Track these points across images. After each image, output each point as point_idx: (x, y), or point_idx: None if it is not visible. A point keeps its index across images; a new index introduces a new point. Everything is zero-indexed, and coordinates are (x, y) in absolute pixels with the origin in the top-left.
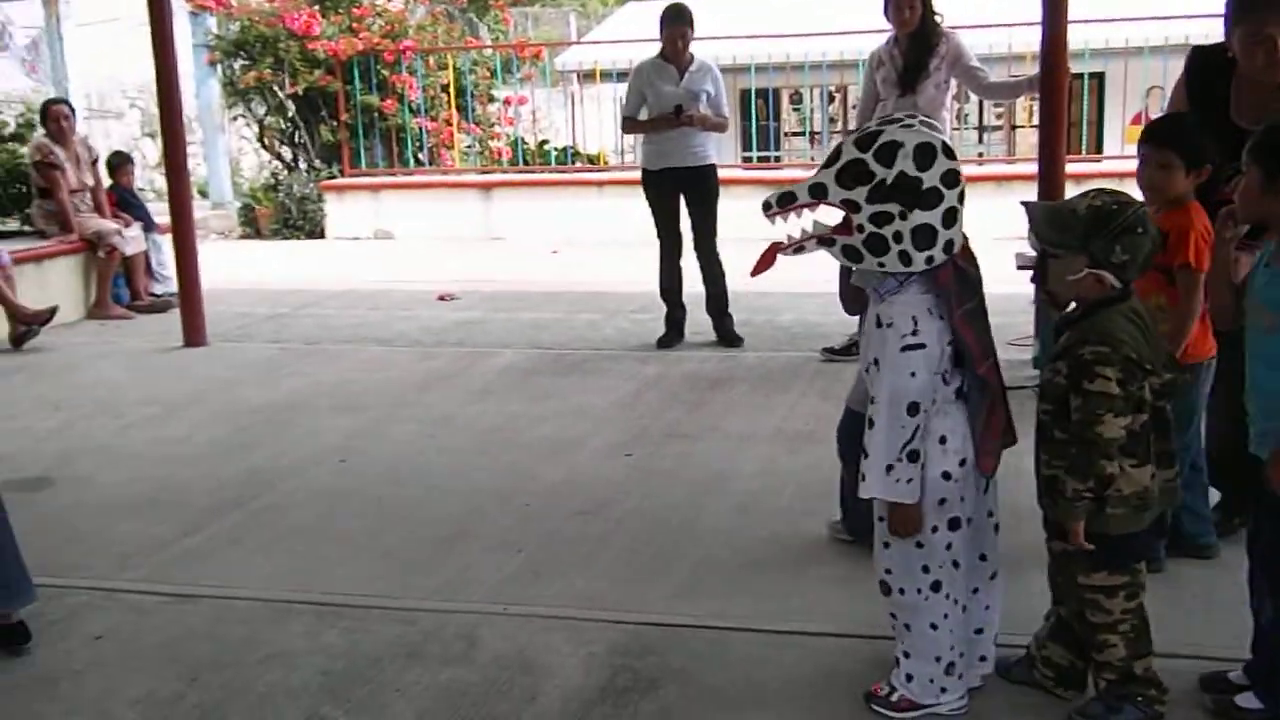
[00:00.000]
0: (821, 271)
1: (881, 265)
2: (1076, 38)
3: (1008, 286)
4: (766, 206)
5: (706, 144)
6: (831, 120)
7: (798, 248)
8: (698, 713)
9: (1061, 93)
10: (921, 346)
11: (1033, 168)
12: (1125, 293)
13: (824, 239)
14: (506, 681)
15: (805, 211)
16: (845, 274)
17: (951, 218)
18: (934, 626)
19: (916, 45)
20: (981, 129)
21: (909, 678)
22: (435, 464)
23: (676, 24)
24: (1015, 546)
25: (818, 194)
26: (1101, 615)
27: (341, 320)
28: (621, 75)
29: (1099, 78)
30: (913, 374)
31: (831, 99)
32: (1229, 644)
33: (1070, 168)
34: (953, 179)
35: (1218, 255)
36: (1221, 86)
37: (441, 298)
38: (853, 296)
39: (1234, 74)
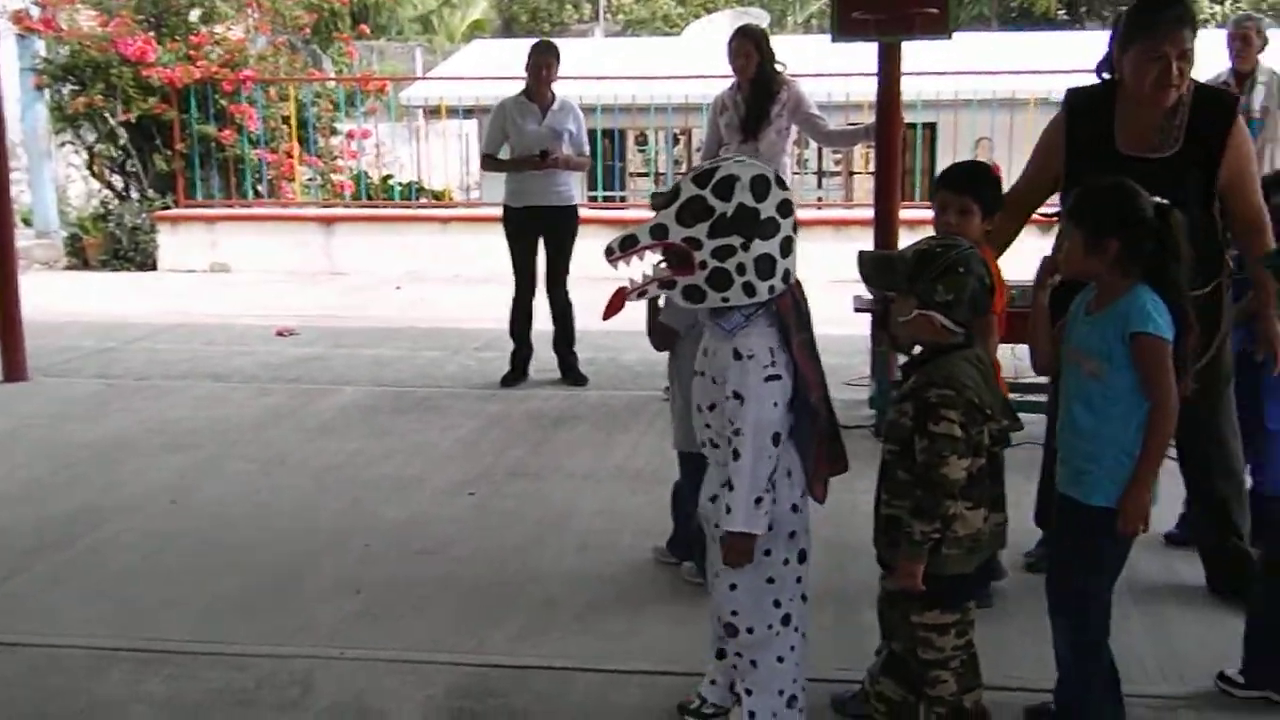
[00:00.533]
0: None
1: (725, 300)
2: (909, 89)
3: (845, 328)
4: (609, 252)
5: (570, 183)
6: (676, 162)
7: (641, 292)
8: None
9: (895, 141)
10: (779, 378)
11: (869, 213)
12: (968, 339)
13: (664, 282)
14: None
15: (648, 255)
16: (654, 312)
17: (788, 247)
18: (780, 660)
19: (758, 92)
20: (820, 174)
21: (751, 715)
22: (271, 504)
23: (544, 54)
24: (851, 582)
25: (659, 235)
26: (933, 653)
27: (174, 355)
28: (468, 112)
29: (931, 128)
30: (775, 404)
31: (676, 141)
32: (1053, 675)
33: (904, 214)
34: (786, 209)
35: (1036, 303)
36: (1104, 119)
37: (280, 333)
38: (661, 333)
39: (1115, 105)
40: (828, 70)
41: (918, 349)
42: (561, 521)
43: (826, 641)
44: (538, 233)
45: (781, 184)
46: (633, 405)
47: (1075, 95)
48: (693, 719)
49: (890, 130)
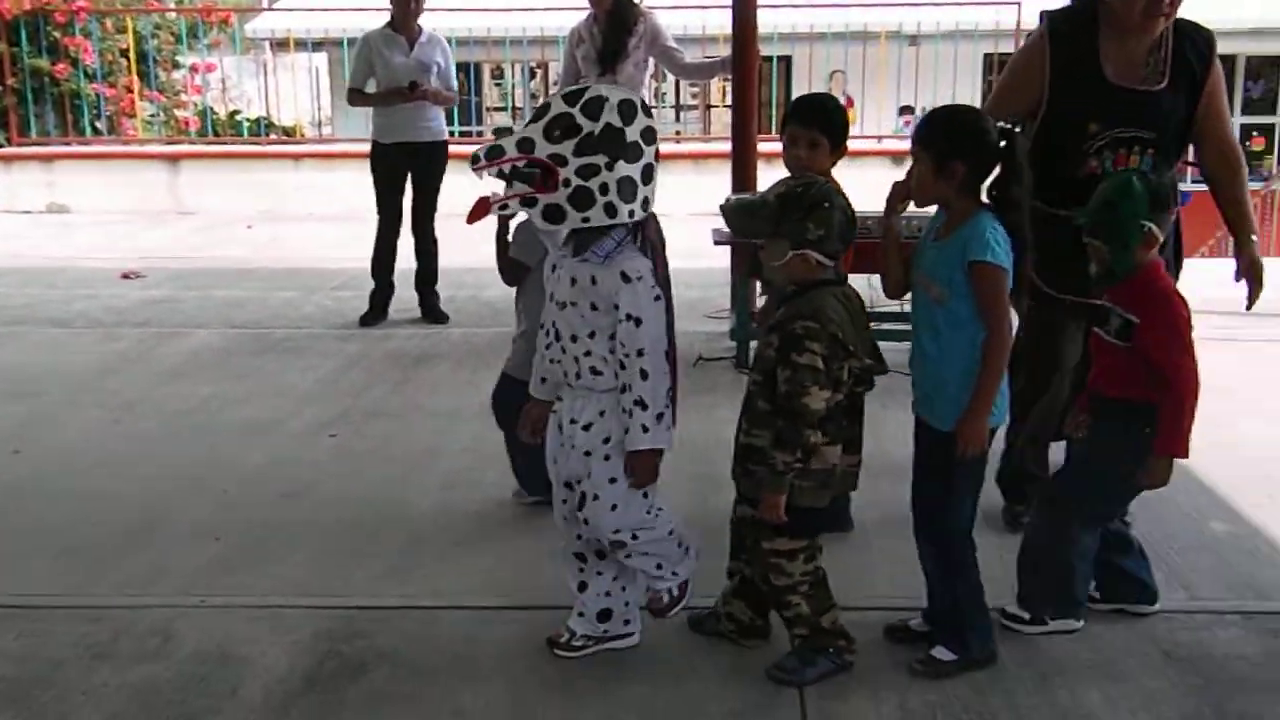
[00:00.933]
0: None
1: (585, 220)
2: (765, 22)
3: (706, 261)
4: (475, 160)
5: (439, 118)
6: (533, 96)
7: (503, 205)
8: (409, 693)
9: (752, 74)
10: (660, 297)
11: (727, 146)
12: (839, 276)
13: (526, 199)
14: (205, 676)
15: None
16: (503, 247)
17: (649, 174)
18: (670, 533)
19: (614, 25)
20: (678, 108)
21: (686, 583)
22: (121, 451)
23: None
24: (712, 513)
25: (525, 148)
26: (783, 578)
27: (12, 300)
28: (317, 44)
29: (787, 61)
30: (663, 322)
31: (533, 74)
32: (911, 595)
33: (761, 146)
34: (650, 135)
35: (888, 228)
36: (1088, 45)
37: (126, 275)
38: (511, 268)
39: (1099, 31)
40: (684, 3)
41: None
42: (425, 461)
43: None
44: (407, 169)
45: (647, 111)
46: (495, 343)
47: (1056, 18)
48: (564, 652)
49: (746, 63)
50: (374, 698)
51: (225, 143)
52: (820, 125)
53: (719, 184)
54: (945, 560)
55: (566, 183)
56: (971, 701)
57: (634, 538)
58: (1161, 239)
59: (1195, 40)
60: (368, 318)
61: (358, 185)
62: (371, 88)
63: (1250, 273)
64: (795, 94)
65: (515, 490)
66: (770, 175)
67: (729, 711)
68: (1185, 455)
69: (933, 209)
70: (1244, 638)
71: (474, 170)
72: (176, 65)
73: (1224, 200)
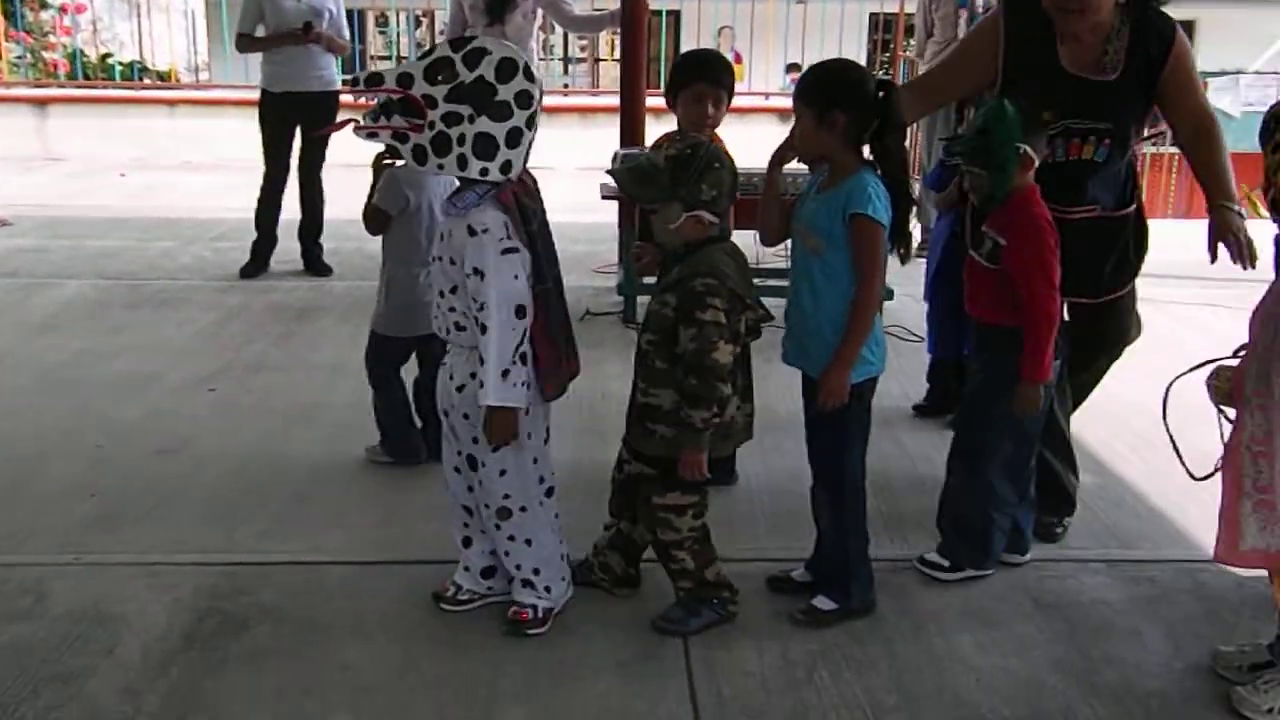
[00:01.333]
0: None
1: (441, 167)
2: None
3: (593, 216)
4: (354, 81)
5: (331, 66)
6: (419, 45)
7: (371, 133)
8: (293, 648)
9: (641, 28)
10: (517, 250)
11: (615, 100)
12: (724, 232)
13: (399, 133)
14: (80, 635)
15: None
16: (370, 195)
17: (515, 138)
18: (552, 530)
19: None
20: (566, 61)
21: (548, 589)
22: None
23: None
24: (600, 466)
25: (404, 83)
26: (671, 533)
27: None
28: None
29: (675, 15)
30: (515, 276)
31: (418, 23)
32: (792, 547)
33: (650, 101)
34: (525, 100)
35: (770, 179)
36: (1043, 29)
37: None
38: (374, 217)
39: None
40: None
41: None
42: (309, 414)
43: (571, 525)
44: (297, 119)
45: (529, 75)
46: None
47: (1013, 1)
48: (449, 606)
49: (635, 17)
50: (257, 654)
51: (96, 87)
52: (727, 84)
53: (607, 138)
54: (839, 509)
55: (432, 125)
56: (851, 650)
57: (523, 510)
58: (1036, 161)
59: (1157, 28)
60: (249, 269)
61: (236, 133)
62: (260, 34)
63: (1226, 238)
64: (684, 49)
65: (370, 447)
66: (658, 129)
67: (616, 662)
68: (1048, 379)
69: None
70: (1109, 584)
71: (351, 91)
72: (45, 5)
73: (1197, 165)
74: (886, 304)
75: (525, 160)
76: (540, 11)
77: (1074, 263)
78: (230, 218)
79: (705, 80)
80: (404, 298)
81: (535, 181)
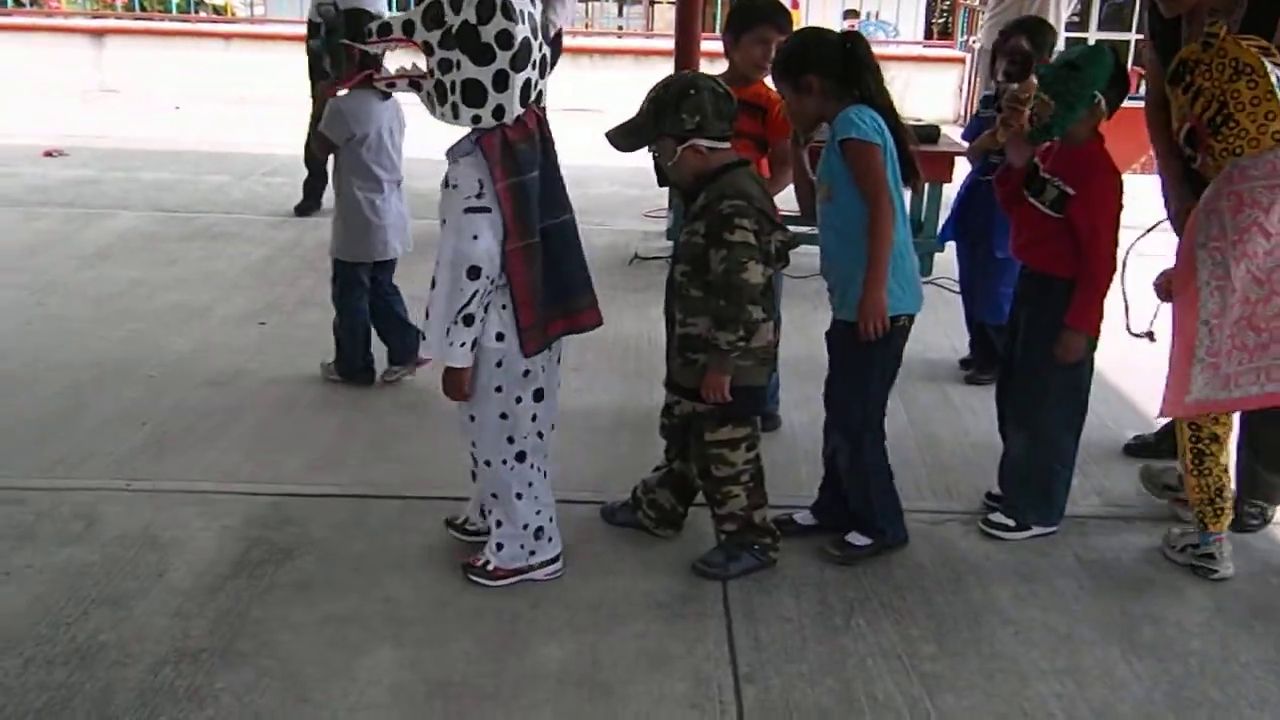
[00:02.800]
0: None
1: (442, 116)
2: None
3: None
4: (368, 33)
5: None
6: None
7: (390, 83)
8: (336, 579)
9: None
10: (486, 210)
11: (670, 43)
12: (743, 159)
13: (414, 81)
14: (131, 560)
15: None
16: (314, 123)
17: (503, 81)
18: (519, 496)
19: None
20: (621, 3)
21: (499, 546)
22: (44, 334)
23: None
24: (644, 410)
25: (408, 31)
26: (726, 469)
27: None
28: None
29: None
30: (475, 236)
31: None
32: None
33: (705, 45)
34: (505, 40)
35: (794, 154)
36: (1174, 33)
37: (48, 154)
38: (321, 143)
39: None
40: None
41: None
42: None
43: (618, 466)
44: None
45: (509, 13)
46: (433, 234)
47: (1151, 16)
48: (455, 531)
49: None
50: (303, 584)
51: (153, 19)
52: (788, 30)
53: None
54: (857, 452)
55: (431, 73)
56: (890, 598)
57: (487, 464)
58: (1105, 117)
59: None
60: (302, 206)
61: (290, 68)
62: None
63: None
64: None
65: (325, 364)
66: (713, 72)
67: (654, 603)
68: (1095, 333)
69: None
70: (1152, 543)
71: (366, 43)
72: None
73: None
74: (937, 255)
75: (526, 100)
76: None
77: None
78: (282, 154)
79: (772, 24)
80: (356, 221)
81: (541, 120)
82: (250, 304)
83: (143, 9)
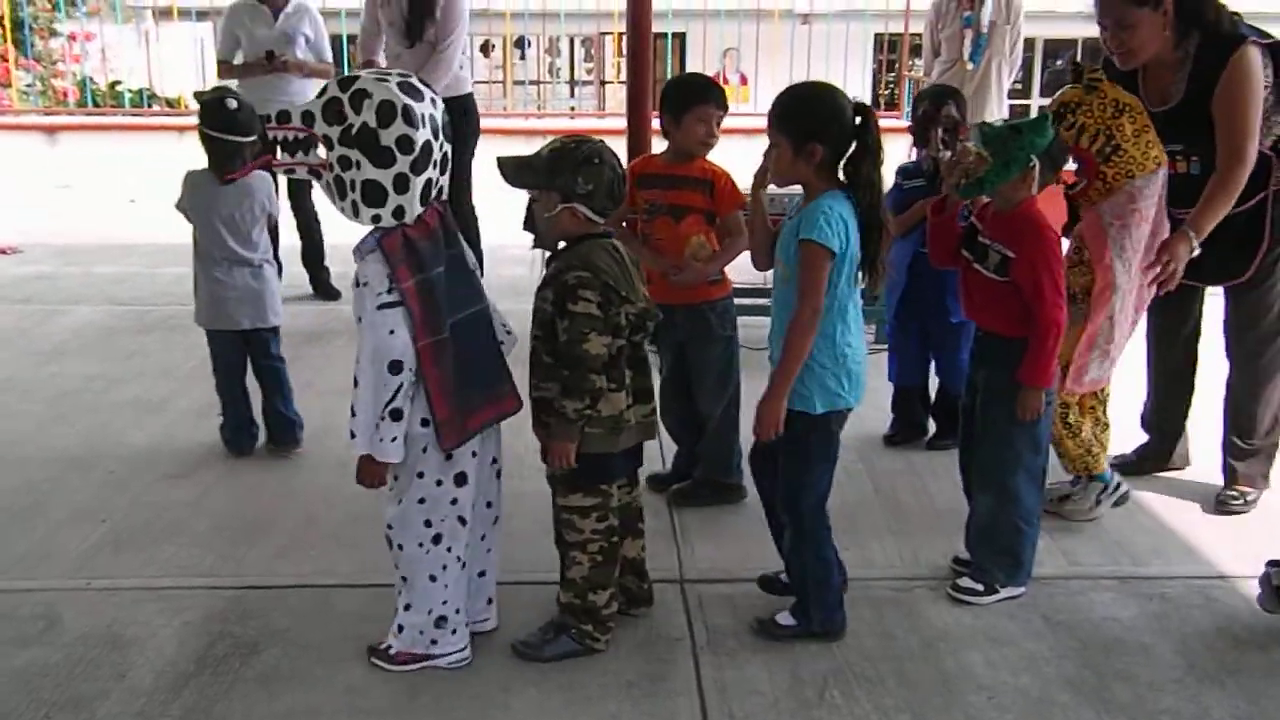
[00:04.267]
0: None
1: (341, 210)
2: None
3: None
4: (265, 119)
5: (307, 92)
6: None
7: (289, 169)
8: (300, 671)
9: (647, 51)
10: (399, 304)
11: (622, 122)
12: (606, 230)
13: (314, 169)
14: (93, 660)
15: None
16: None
17: (403, 184)
18: (432, 579)
19: None
20: (573, 84)
21: (400, 629)
22: (2, 431)
23: None
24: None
25: (307, 121)
26: (574, 534)
27: None
28: (201, 14)
29: (681, 37)
30: (391, 331)
31: None
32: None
33: (656, 123)
34: (406, 145)
35: (754, 202)
36: (1133, 83)
37: (2, 250)
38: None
39: (1139, 70)
40: None
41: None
42: (319, 438)
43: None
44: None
45: (409, 119)
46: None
47: (1106, 64)
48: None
49: (641, 39)
50: (267, 677)
51: (105, 114)
52: (725, 107)
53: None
54: (797, 534)
55: (331, 167)
56: (862, 668)
57: (400, 547)
58: (1037, 182)
59: (1213, 53)
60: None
61: None
62: (239, 61)
63: (1163, 257)
64: (690, 70)
65: (219, 412)
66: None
67: (625, 683)
68: (1048, 385)
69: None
70: (1119, 601)
71: (265, 129)
72: (54, 33)
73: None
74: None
75: (427, 200)
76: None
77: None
78: None
79: (712, 102)
80: (203, 292)
81: (443, 216)
82: (208, 395)
83: (95, 105)
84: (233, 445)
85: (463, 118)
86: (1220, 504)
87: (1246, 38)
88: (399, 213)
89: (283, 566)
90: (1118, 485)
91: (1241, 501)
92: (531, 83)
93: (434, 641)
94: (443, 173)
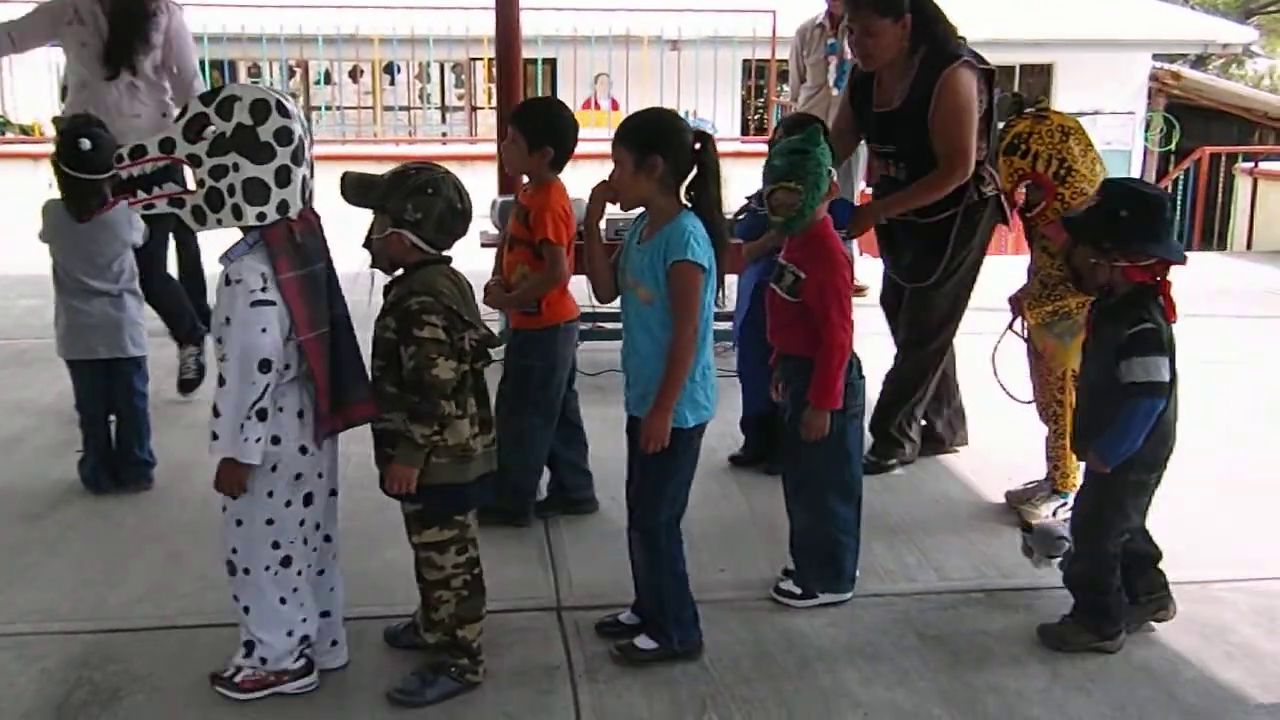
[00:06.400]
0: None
1: (220, 222)
2: (529, 25)
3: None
4: (118, 158)
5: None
6: (293, 94)
7: (148, 205)
8: (164, 716)
9: (517, 77)
10: (272, 304)
11: (493, 148)
12: (443, 257)
13: (175, 199)
14: None
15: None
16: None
17: (285, 177)
18: (283, 601)
19: (121, 11)
20: (444, 109)
21: (263, 660)
22: None
23: None
24: (381, 523)
25: (166, 148)
26: (435, 572)
27: None
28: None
29: (551, 63)
30: (263, 330)
31: (292, 73)
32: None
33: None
34: (285, 136)
35: (590, 231)
36: (869, 84)
37: None
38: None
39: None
40: (447, 4)
41: (400, 270)
42: (183, 474)
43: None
44: None
45: (284, 110)
46: None
47: (853, 72)
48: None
49: (511, 66)
50: None
51: None
52: (518, 124)
53: (485, 185)
54: (652, 551)
55: (201, 183)
56: (739, 690)
57: (245, 572)
58: (837, 190)
59: (932, 66)
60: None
61: None
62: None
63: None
64: (561, 97)
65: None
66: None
67: (504, 714)
68: (835, 406)
69: (635, 213)
70: (988, 614)
71: (117, 168)
72: None
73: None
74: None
75: (304, 198)
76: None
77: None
78: None
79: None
80: (63, 321)
81: (318, 218)
82: (65, 432)
83: None
84: (90, 483)
85: None
86: (871, 466)
87: (962, 57)
88: (283, 207)
89: (145, 608)
90: (1067, 507)
91: (876, 468)
92: (402, 108)
93: (288, 669)
94: (310, 172)
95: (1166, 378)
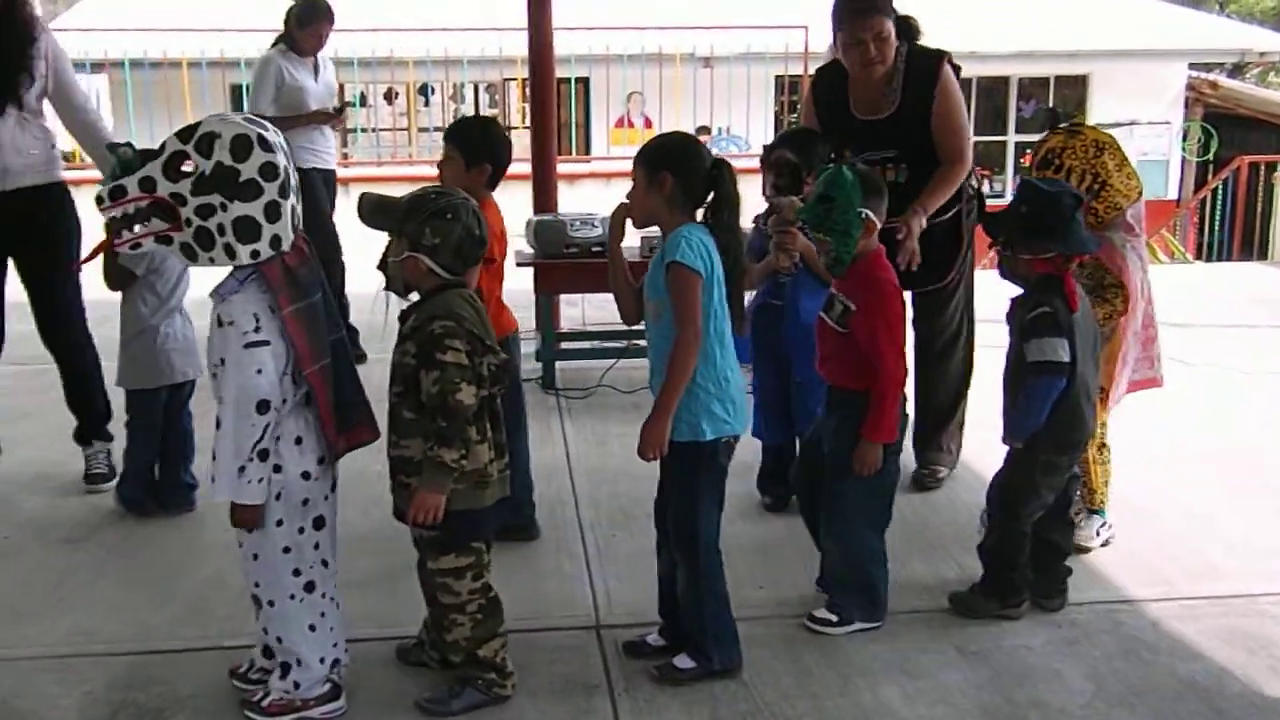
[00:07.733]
0: None
1: (211, 260)
2: (563, 44)
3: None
4: (99, 200)
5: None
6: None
7: (135, 244)
8: None
9: (550, 96)
10: (266, 344)
11: (527, 167)
12: (460, 281)
13: (161, 237)
14: None
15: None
16: (109, 252)
17: (275, 211)
18: (313, 628)
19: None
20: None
21: (296, 685)
22: None
23: (324, 19)
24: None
25: (148, 187)
26: (451, 598)
27: None
28: (96, 66)
29: (585, 82)
30: (259, 371)
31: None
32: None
33: (561, 167)
34: (270, 171)
35: (613, 251)
36: (840, 90)
37: None
38: (118, 274)
39: (848, 78)
40: (481, 24)
41: (415, 295)
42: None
43: (401, 599)
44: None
45: (266, 145)
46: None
47: (818, 74)
48: (238, 682)
49: (544, 85)
50: None
51: None
52: (453, 140)
53: (520, 205)
54: (693, 570)
55: (189, 222)
56: (780, 707)
57: (271, 604)
58: (879, 224)
59: (923, 67)
60: None
61: None
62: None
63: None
64: (594, 115)
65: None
66: (570, 195)
67: None
68: (890, 440)
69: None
70: (1029, 628)
71: (100, 210)
72: None
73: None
74: None
75: (295, 226)
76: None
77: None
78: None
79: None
80: (139, 350)
81: (310, 244)
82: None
83: None
84: (134, 505)
85: None
86: (915, 482)
87: (947, 54)
88: (276, 242)
89: (187, 630)
90: (1109, 524)
91: (934, 479)
92: (436, 129)
93: (316, 694)
94: (298, 200)
95: (1065, 358)
